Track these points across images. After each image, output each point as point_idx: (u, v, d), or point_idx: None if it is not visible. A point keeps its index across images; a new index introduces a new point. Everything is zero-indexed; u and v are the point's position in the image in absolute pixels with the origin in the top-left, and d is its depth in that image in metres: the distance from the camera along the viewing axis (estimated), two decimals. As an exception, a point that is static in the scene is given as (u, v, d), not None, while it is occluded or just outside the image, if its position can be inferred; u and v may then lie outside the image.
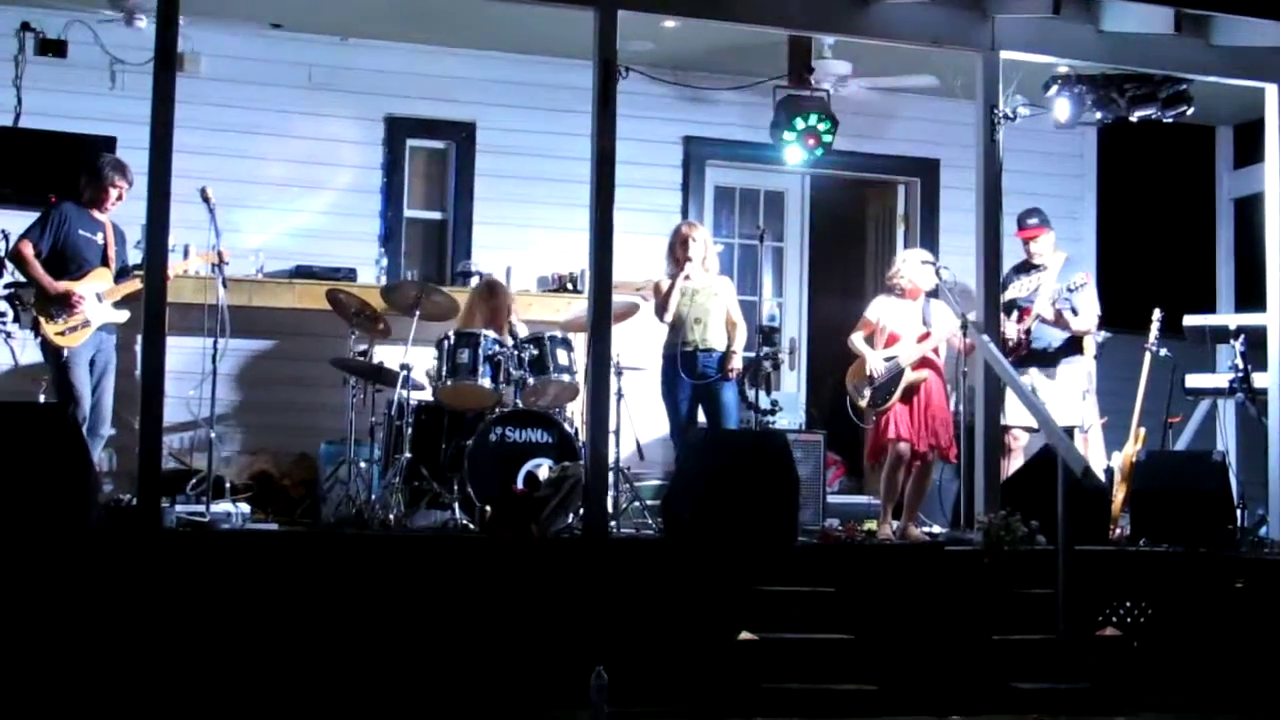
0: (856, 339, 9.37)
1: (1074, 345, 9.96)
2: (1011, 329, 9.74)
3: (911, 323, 9.24)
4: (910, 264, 9.38)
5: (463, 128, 10.84)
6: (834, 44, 10.21)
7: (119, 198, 8.98)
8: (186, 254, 9.41)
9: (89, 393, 8.82)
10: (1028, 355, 9.79)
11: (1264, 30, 9.28)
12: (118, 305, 8.97)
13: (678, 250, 9.51)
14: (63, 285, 8.80)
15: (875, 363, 9.16)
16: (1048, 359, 9.87)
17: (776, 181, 11.69)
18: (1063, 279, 9.86)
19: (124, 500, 8.18)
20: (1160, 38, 9.24)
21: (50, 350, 8.85)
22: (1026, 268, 10.04)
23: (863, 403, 9.22)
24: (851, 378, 9.35)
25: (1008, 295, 9.69)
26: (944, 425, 9.12)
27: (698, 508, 8.00)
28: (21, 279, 8.98)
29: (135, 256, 9.05)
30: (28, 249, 8.82)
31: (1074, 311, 9.84)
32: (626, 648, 7.39)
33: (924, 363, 9.15)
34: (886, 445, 9.12)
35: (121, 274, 9.05)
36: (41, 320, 8.80)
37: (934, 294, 9.36)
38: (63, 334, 8.77)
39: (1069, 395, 9.79)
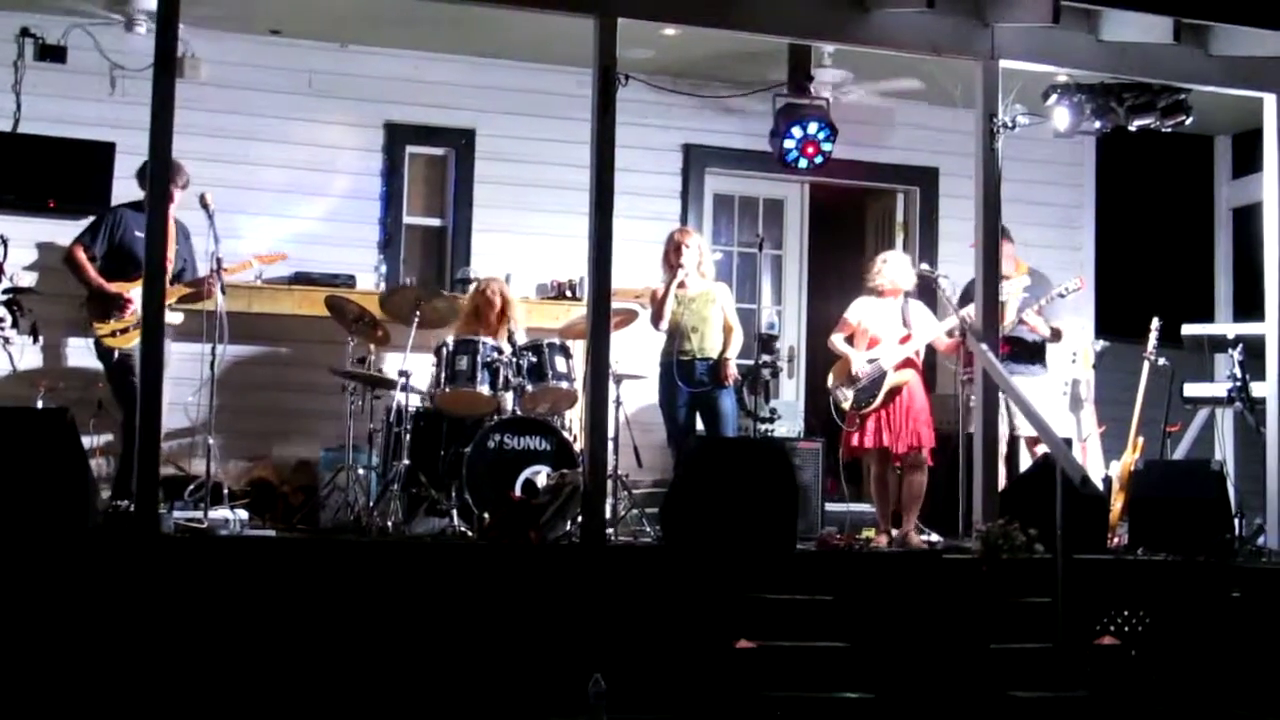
0: (837, 340, 9.42)
1: (1040, 354, 10.00)
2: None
3: (892, 324, 9.29)
4: (890, 264, 9.42)
5: (462, 134, 10.84)
6: (834, 52, 10.21)
7: (170, 199, 8.90)
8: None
9: None
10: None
11: (1263, 40, 9.30)
12: (172, 308, 8.91)
13: (671, 256, 9.54)
14: (114, 287, 8.94)
15: (859, 364, 9.19)
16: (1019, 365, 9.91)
17: (776, 189, 11.69)
18: (1034, 288, 9.89)
19: (122, 506, 8.17)
20: (1159, 47, 9.26)
21: (104, 353, 8.99)
22: None
23: (846, 405, 9.25)
24: (834, 379, 9.38)
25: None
26: (926, 426, 9.17)
27: (696, 515, 8.00)
28: (21, 285, 8.98)
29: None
30: (80, 253, 9.03)
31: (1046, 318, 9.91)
32: (624, 655, 7.38)
33: (905, 363, 9.20)
34: (864, 450, 9.21)
35: (180, 275, 9.13)
36: (94, 323, 8.94)
37: (912, 294, 9.44)
38: (113, 335, 8.88)
39: (1045, 403, 9.78)
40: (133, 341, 8.83)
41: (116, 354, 8.95)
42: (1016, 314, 9.74)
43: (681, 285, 9.50)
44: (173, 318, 8.97)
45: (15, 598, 6.97)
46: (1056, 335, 9.98)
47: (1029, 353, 9.97)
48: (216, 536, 7.90)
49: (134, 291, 8.86)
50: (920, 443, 9.12)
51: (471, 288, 10.00)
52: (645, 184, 10.68)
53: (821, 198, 11.85)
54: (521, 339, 9.59)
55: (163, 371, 7.86)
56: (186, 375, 9.08)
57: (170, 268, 8.96)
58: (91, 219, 9.22)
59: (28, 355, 9.18)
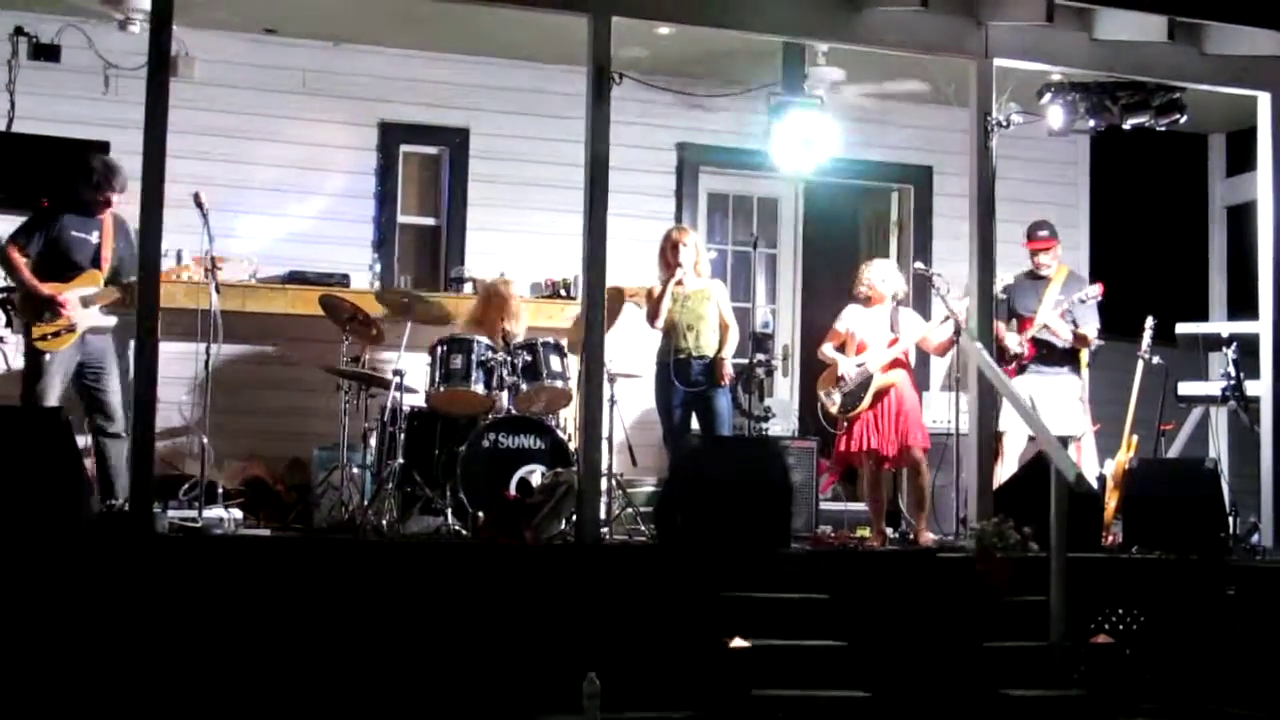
0: (827, 349, 9.47)
1: (1070, 356, 10.01)
2: (1013, 339, 9.80)
3: (880, 330, 9.33)
4: (874, 272, 9.47)
5: (456, 133, 10.83)
6: (827, 51, 10.20)
7: (108, 203, 8.85)
8: (179, 259, 9.45)
9: (53, 402, 8.60)
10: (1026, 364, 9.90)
11: (1256, 39, 9.30)
12: (108, 310, 8.88)
13: (668, 255, 9.53)
14: (48, 289, 8.69)
15: (846, 368, 9.23)
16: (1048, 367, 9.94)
17: (770, 188, 11.69)
18: (1067, 291, 9.92)
19: (116, 505, 8.16)
20: (1153, 46, 9.26)
21: (29, 353, 8.73)
22: (1032, 278, 10.08)
23: (834, 409, 9.29)
24: (822, 385, 9.43)
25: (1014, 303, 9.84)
26: (917, 427, 9.19)
27: (691, 514, 7.99)
28: (11, 283, 8.96)
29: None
30: (14, 252, 8.73)
31: (1074, 324, 9.89)
32: (619, 654, 7.38)
33: (893, 364, 9.23)
34: (854, 455, 9.25)
35: (116, 275, 8.88)
36: (29, 323, 8.69)
37: (903, 301, 9.52)
38: (45, 339, 8.65)
39: (1066, 405, 9.82)
40: (62, 346, 8.65)
41: (47, 357, 8.63)
42: (1058, 315, 9.80)
43: (679, 283, 9.50)
44: (104, 321, 8.82)
45: (9, 597, 6.97)
46: (1080, 340, 9.93)
47: (1056, 355, 9.95)
48: (211, 536, 7.89)
49: (67, 294, 8.72)
50: (910, 443, 9.14)
51: (483, 286, 9.95)
52: (640, 183, 10.68)
53: (816, 196, 11.85)
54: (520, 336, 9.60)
55: (156, 373, 7.82)
56: (180, 375, 9.08)
57: (106, 266, 8.85)
58: (27, 217, 8.95)
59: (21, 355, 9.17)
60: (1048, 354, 9.96)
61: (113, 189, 8.82)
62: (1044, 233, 10.11)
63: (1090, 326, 9.94)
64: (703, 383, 9.45)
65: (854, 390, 9.22)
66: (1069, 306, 9.86)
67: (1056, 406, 9.70)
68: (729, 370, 9.52)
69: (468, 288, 10.43)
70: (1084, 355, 10.16)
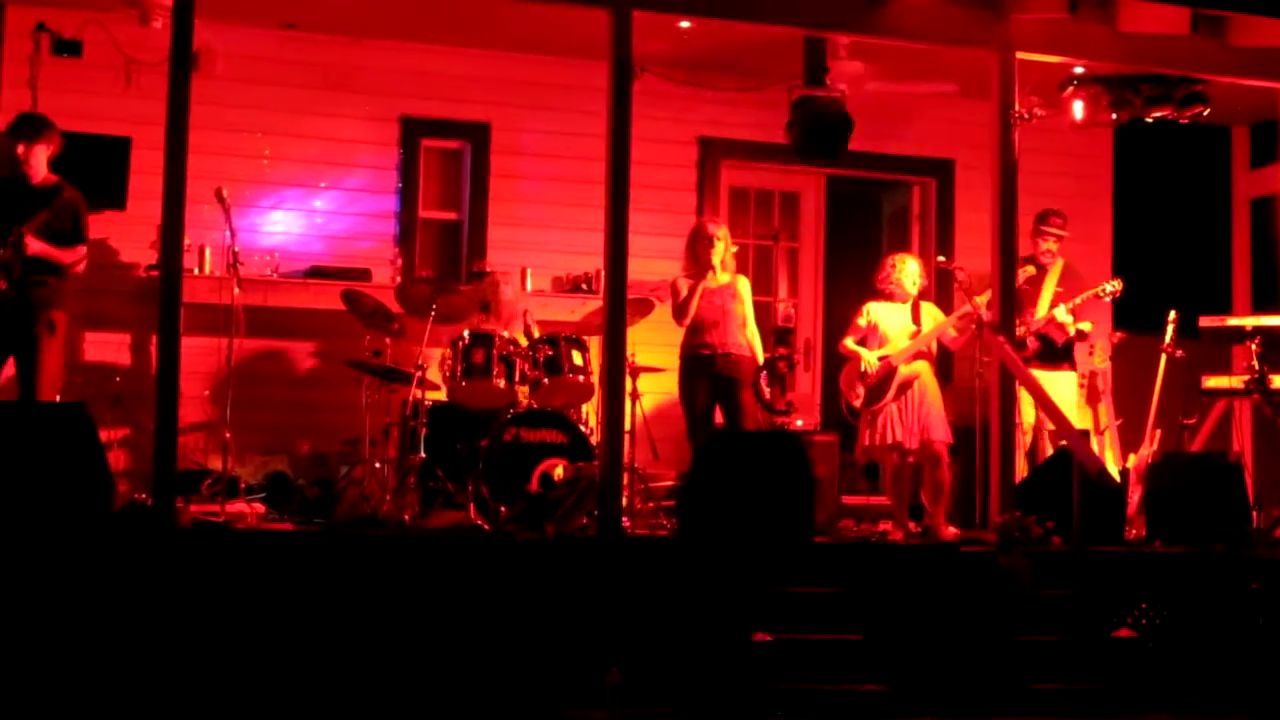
0: (848, 342, 9.44)
1: (1068, 352, 9.99)
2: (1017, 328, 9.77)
3: (902, 324, 9.30)
4: (899, 267, 9.43)
5: (478, 128, 10.83)
6: (850, 44, 10.18)
7: (24, 157, 8.50)
8: (202, 255, 9.48)
9: None
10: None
11: (1280, 31, 9.28)
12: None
13: (698, 248, 9.47)
14: None
15: (869, 362, 9.20)
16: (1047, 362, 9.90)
17: (792, 182, 11.67)
18: (1064, 284, 9.87)
19: (139, 499, 8.19)
20: (1177, 38, 9.24)
21: None
22: (1034, 265, 10.01)
23: (857, 402, 9.27)
24: (845, 378, 9.40)
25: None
26: (939, 419, 9.16)
27: (713, 508, 7.99)
28: None
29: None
30: None
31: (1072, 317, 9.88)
32: (641, 648, 7.39)
33: (916, 357, 9.21)
34: (878, 448, 9.22)
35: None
36: None
37: (923, 295, 9.47)
38: None
39: (1067, 401, 9.78)
40: None
41: None
42: (1067, 310, 9.77)
43: (709, 283, 9.46)
44: None
45: (36, 591, 7.00)
46: (1080, 335, 9.89)
47: (1055, 351, 9.91)
48: (233, 530, 7.91)
49: None
50: (932, 437, 9.11)
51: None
52: (661, 177, 10.66)
53: (837, 190, 11.83)
54: (537, 332, 9.59)
55: (178, 368, 7.85)
56: (202, 369, 9.10)
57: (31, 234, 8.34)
58: None
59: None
60: (1047, 350, 9.91)
61: (25, 139, 8.53)
62: (1059, 219, 10.06)
63: (1089, 321, 9.90)
64: (727, 377, 9.43)
65: (878, 384, 9.20)
66: (1079, 301, 9.79)
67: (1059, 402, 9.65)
68: (755, 364, 9.49)
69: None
70: (1096, 354, 10.13)
